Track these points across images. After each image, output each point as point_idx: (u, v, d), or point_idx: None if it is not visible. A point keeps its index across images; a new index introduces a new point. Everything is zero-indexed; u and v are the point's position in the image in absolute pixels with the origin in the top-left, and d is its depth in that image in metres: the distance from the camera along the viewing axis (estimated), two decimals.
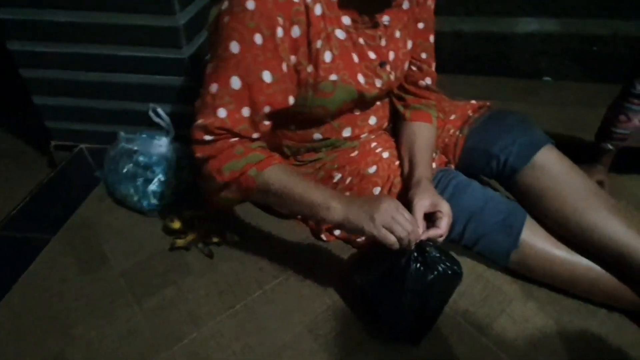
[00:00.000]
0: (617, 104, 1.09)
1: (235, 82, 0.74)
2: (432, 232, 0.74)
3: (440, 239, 0.75)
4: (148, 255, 0.95)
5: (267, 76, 0.74)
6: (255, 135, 0.79)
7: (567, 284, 0.86)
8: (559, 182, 0.85)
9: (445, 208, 0.76)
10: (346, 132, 0.92)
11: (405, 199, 0.81)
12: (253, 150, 0.78)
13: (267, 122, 0.80)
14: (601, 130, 1.14)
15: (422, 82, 0.96)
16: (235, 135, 0.77)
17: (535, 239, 0.84)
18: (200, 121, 0.76)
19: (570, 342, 0.80)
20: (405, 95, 0.97)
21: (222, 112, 0.75)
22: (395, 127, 0.99)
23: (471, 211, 0.86)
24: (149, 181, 1.02)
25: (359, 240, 0.96)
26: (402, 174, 0.91)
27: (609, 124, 1.11)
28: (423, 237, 0.73)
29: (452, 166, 1.00)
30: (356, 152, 0.94)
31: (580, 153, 1.15)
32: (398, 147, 0.95)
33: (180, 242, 0.94)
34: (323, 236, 0.99)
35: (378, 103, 0.95)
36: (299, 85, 0.79)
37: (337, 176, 0.93)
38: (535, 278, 0.88)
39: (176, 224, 0.96)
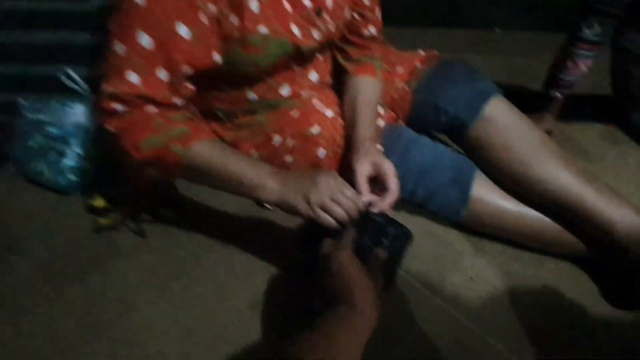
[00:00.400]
0: (564, 50, 1.07)
1: (145, 40, 0.63)
2: (389, 200, 0.68)
3: (388, 205, 0.68)
4: (69, 239, 0.84)
5: (182, 30, 0.64)
6: (177, 101, 0.69)
7: (517, 235, 0.86)
8: (508, 133, 0.83)
9: (388, 168, 0.71)
10: (284, 90, 0.83)
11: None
12: (175, 122, 0.68)
13: (190, 86, 0.70)
14: (549, 78, 1.13)
15: (365, 32, 0.87)
16: (152, 103, 0.66)
17: (485, 193, 0.83)
18: (108, 88, 0.64)
19: (520, 291, 0.81)
20: (347, 47, 0.89)
21: (133, 77, 0.64)
22: (339, 83, 0.91)
23: (421, 168, 0.83)
24: (63, 155, 0.89)
25: None
26: (346, 134, 0.84)
27: (557, 70, 1.09)
28: (375, 210, 0.67)
29: (401, 122, 0.95)
30: (297, 112, 0.86)
31: (529, 102, 1.13)
32: (344, 105, 0.87)
33: (105, 221, 0.84)
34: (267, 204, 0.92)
35: (319, 57, 0.87)
36: (222, 39, 0.69)
37: (277, 139, 0.85)
38: (486, 231, 0.88)
39: (99, 202, 0.85)
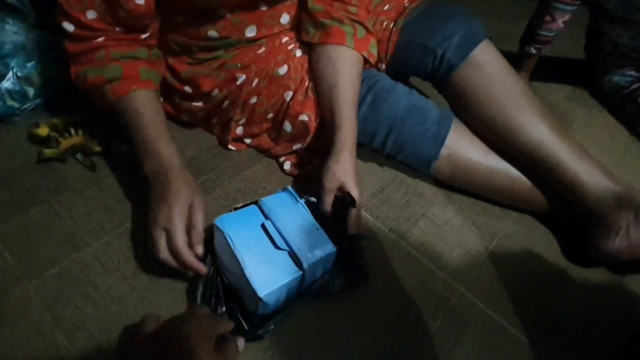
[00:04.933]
0: (543, 4, 1.04)
1: None
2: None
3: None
4: (7, 170, 0.76)
5: None
6: (117, 29, 0.66)
7: (486, 191, 0.85)
8: (493, 81, 0.80)
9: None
10: (250, 32, 0.75)
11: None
12: (113, 60, 0.66)
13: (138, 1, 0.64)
14: (526, 33, 1.11)
15: None
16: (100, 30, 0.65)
17: (458, 149, 0.80)
18: (64, 7, 0.62)
19: (484, 239, 0.82)
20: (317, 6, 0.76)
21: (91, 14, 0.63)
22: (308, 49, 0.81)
23: (392, 120, 0.78)
24: (1, 78, 0.79)
25: (274, 150, 0.85)
26: (323, 114, 0.78)
27: (534, 25, 1.07)
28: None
29: (383, 65, 0.89)
30: (263, 49, 0.78)
31: None
32: (316, 82, 0.78)
33: (49, 151, 0.76)
34: (231, 146, 0.87)
35: None
36: None
37: (241, 77, 0.78)
38: (456, 185, 0.86)
39: (43, 130, 0.77)
